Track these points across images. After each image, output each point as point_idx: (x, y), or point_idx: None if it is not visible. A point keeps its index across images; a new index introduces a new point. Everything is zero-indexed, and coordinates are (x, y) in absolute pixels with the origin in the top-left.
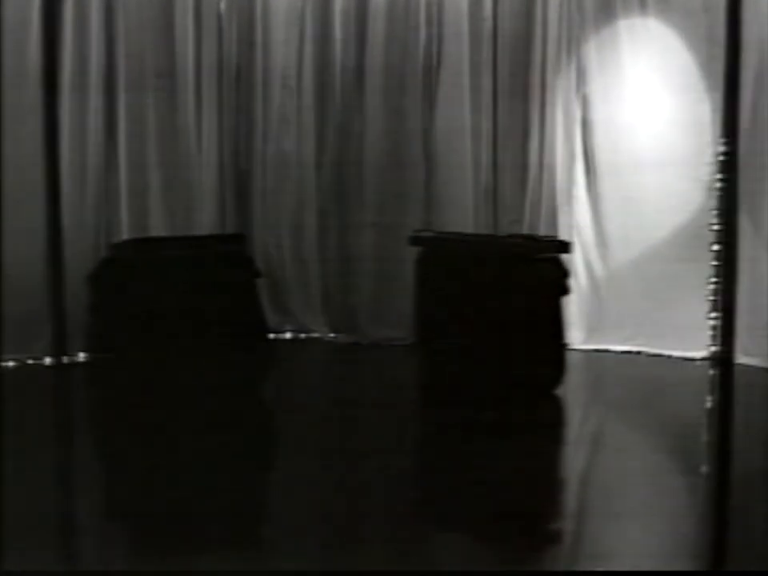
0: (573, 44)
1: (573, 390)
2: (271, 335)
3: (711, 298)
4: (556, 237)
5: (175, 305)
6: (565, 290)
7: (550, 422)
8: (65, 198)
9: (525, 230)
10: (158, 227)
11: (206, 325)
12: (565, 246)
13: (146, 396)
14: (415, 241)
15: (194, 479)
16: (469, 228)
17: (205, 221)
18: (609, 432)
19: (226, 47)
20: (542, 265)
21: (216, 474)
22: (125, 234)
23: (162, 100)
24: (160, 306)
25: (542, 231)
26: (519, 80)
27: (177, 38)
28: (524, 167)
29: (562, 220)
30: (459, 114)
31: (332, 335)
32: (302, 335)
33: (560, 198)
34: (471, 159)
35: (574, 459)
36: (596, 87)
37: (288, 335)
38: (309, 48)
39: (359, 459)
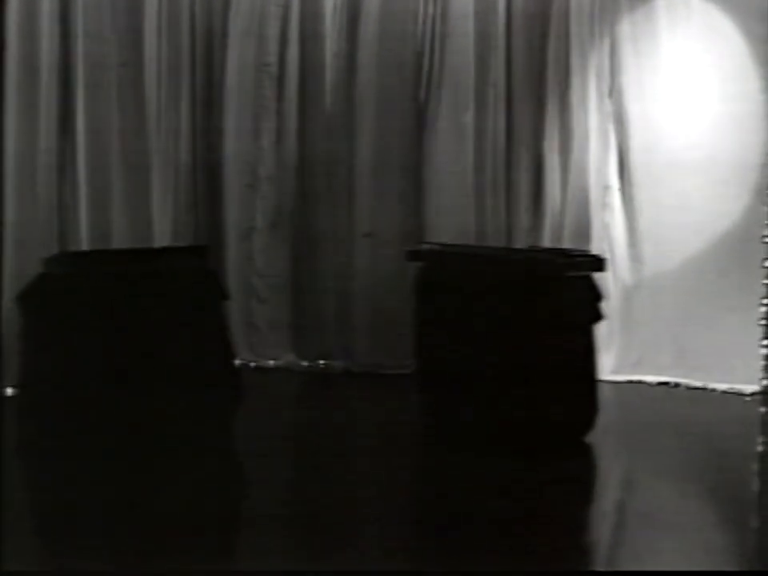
0: (603, 26)
1: (604, 436)
2: (238, 362)
3: (764, 320)
4: (587, 251)
5: (122, 331)
6: (598, 316)
7: (577, 479)
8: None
9: (546, 243)
10: (120, 236)
11: (160, 355)
12: (599, 263)
13: (82, 440)
14: (415, 255)
15: None
16: (473, 239)
17: (172, 228)
18: (646, 493)
19: (199, 33)
20: (571, 285)
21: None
22: (82, 245)
23: (125, 92)
24: (104, 333)
25: (566, 243)
26: (535, 69)
27: (145, 21)
28: (540, 170)
29: (588, 230)
30: (463, 109)
31: (315, 363)
32: (280, 364)
33: (586, 205)
34: (473, 161)
35: (602, 526)
36: (630, 77)
37: (263, 364)
38: (294, 38)
39: (345, 511)
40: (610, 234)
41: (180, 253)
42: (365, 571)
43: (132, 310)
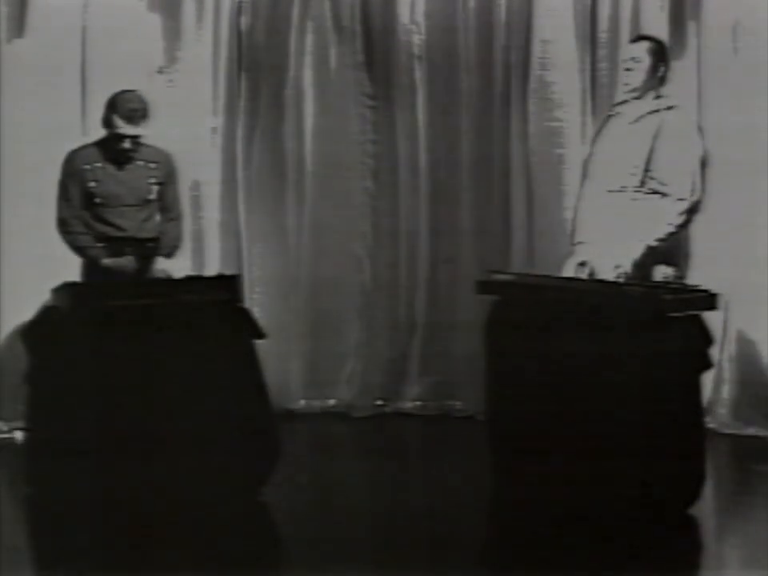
0: None
1: (714, 509)
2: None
3: None
4: (697, 286)
5: (137, 373)
6: (707, 363)
7: (681, 565)
8: None
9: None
10: None
11: (181, 403)
12: (711, 301)
13: (94, 498)
14: (486, 287)
15: None
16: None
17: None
18: None
19: None
20: (677, 327)
21: None
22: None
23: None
24: (116, 375)
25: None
26: None
27: None
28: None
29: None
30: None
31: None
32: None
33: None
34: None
35: None
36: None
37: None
38: None
39: None
40: None
41: (204, 284)
42: None
43: (145, 351)
